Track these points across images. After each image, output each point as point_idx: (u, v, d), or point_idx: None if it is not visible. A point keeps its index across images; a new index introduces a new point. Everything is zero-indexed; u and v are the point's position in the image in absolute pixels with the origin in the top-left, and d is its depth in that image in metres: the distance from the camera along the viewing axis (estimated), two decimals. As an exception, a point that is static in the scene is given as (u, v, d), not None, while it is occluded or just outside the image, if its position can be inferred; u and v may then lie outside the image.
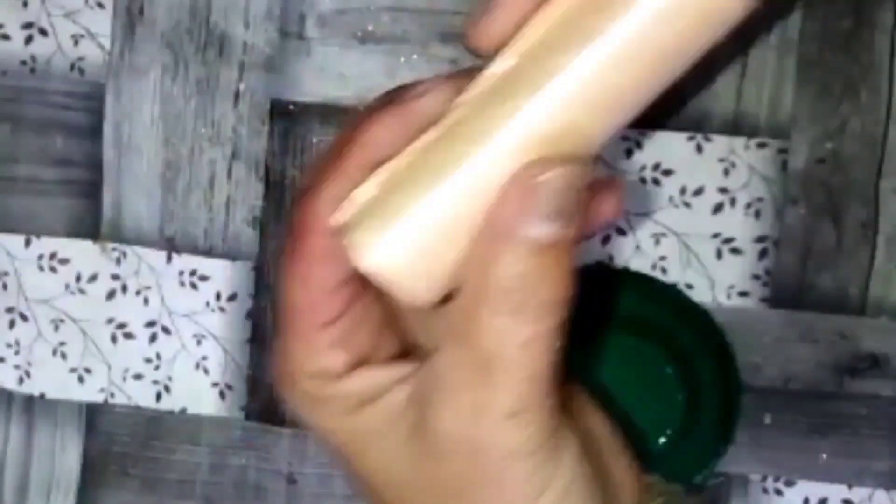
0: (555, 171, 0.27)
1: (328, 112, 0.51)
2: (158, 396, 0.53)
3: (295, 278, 0.32)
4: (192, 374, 0.53)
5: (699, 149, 0.50)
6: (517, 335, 0.28)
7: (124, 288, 0.53)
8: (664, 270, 0.51)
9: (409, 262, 0.29)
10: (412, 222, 0.28)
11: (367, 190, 0.29)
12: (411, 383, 0.32)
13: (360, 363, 0.32)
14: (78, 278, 0.53)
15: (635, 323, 0.50)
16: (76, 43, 0.52)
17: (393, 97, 0.31)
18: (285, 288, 0.32)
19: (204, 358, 0.53)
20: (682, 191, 0.50)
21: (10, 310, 0.53)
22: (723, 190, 0.50)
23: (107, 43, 0.52)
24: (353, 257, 0.29)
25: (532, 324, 0.28)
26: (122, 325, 0.53)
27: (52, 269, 0.53)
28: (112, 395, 0.53)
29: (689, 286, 0.51)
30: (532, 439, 0.29)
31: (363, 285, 0.32)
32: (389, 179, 0.29)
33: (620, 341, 0.50)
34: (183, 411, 0.53)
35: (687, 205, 0.51)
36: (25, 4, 0.52)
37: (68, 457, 0.53)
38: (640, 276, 0.50)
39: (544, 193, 0.27)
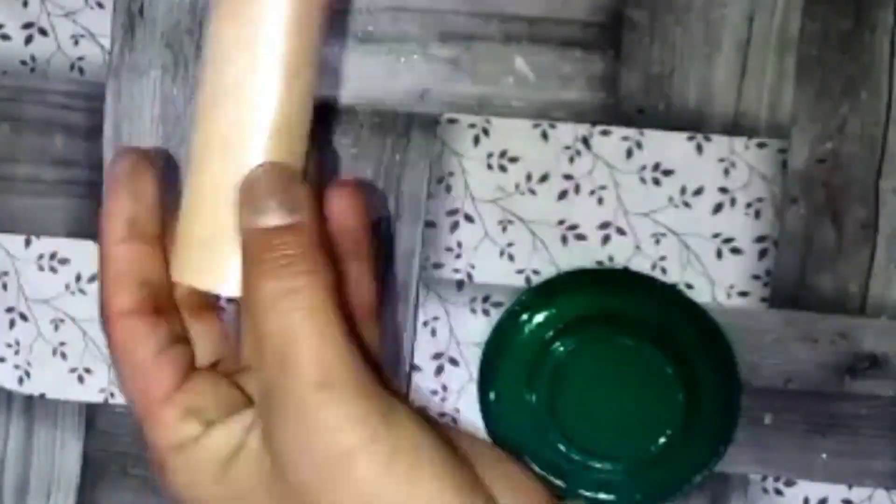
0: (258, 169, 0.33)
1: (328, 112, 0.51)
2: (158, 396, 0.53)
3: (119, 357, 0.34)
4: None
5: (699, 149, 0.50)
6: (292, 302, 0.31)
7: (124, 288, 0.53)
8: (664, 270, 0.51)
9: (205, 262, 0.34)
10: (188, 231, 0.35)
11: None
12: (257, 423, 0.33)
13: (211, 424, 0.34)
14: (78, 278, 0.53)
15: (635, 323, 0.50)
16: (76, 43, 0.52)
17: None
18: (119, 374, 0.34)
19: (204, 358, 0.53)
20: (682, 191, 0.50)
21: (9, 310, 0.53)
22: (723, 190, 0.50)
23: (107, 43, 0.52)
24: (183, 280, 0.35)
25: (298, 288, 0.31)
26: (122, 325, 0.53)
27: (52, 269, 0.53)
28: (112, 394, 0.53)
29: (689, 286, 0.51)
30: (353, 414, 0.30)
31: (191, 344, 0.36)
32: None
33: (620, 341, 0.50)
34: (183, 411, 0.53)
35: (687, 205, 0.51)
36: (25, 4, 0.52)
37: (68, 457, 0.53)
38: (640, 275, 0.51)
39: (257, 190, 0.33)
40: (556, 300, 0.50)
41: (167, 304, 0.36)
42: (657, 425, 0.50)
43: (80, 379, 0.53)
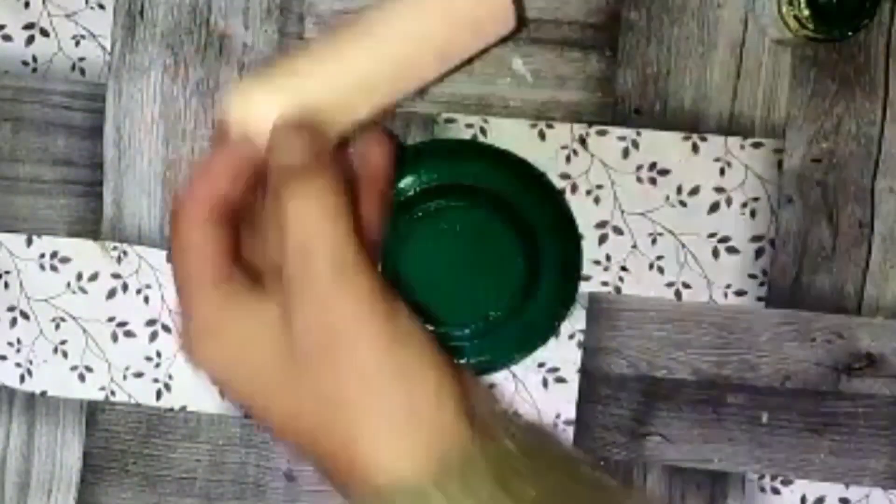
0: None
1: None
2: (159, 394, 0.53)
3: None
4: (193, 372, 0.53)
5: (695, 148, 0.50)
6: (306, 194, 0.34)
7: (125, 287, 0.53)
8: (661, 270, 0.51)
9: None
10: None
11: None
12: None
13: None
14: (79, 277, 0.53)
15: (477, 192, 0.50)
16: (77, 43, 0.52)
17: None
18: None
19: (203, 356, 0.53)
20: (679, 190, 0.51)
21: (11, 308, 0.53)
22: (719, 189, 0.51)
23: (107, 43, 0.52)
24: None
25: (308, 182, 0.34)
26: (122, 324, 0.53)
27: (54, 268, 0.53)
28: (113, 392, 0.53)
29: (687, 285, 0.51)
30: (363, 302, 0.33)
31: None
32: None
33: (462, 210, 0.50)
34: (183, 409, 0.53)
35: (683, 204, 0.51)
36: (27, 5, 0.52)
37: (69, 454, 0.54)
38: (485, 146, 0.51)
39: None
40: (408, 170, 0.50)
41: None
42: (500, 290, 0.50)
43: (81, 377, 0.53)
